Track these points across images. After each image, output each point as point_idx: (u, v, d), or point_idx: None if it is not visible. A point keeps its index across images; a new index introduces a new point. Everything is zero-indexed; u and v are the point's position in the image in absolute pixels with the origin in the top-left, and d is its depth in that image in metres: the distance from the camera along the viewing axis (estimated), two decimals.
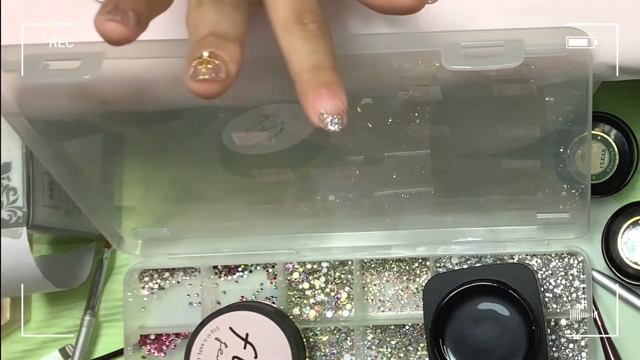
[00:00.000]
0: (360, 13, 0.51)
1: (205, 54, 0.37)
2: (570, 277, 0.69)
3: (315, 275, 0.71)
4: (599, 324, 0.68)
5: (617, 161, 0.68)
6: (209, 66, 0.37)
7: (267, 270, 0.71)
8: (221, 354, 0.66)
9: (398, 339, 0.70)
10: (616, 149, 0.68)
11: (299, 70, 0.39)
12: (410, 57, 0.51)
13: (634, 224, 0.68)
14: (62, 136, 0.59)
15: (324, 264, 0.71)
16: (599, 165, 0.69)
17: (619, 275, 0.68)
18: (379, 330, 0.70)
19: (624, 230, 0.68)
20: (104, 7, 0.37)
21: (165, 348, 0.71)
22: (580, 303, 0.68)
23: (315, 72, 0.39)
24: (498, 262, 0.69)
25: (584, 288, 0.68)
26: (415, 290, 0.70)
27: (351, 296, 0.70)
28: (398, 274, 0.71)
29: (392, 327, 0.70)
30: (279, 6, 0.41)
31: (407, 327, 0.70)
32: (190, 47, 0.39)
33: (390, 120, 0.60)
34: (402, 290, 0.71)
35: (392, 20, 0.51)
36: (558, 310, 0.68)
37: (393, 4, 0.43)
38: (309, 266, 0.71)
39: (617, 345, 0.68)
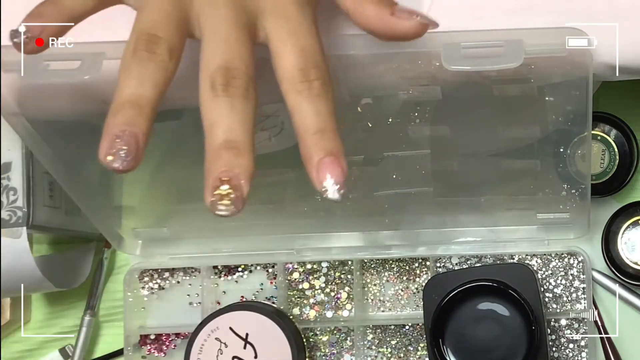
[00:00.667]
0: None
1: (225, 187, 0.40)
2: (570, 277, 0.69)
3: (315, 275, 0.71)
4: (599, 324, 0.68)
5: (617, 161, 0.68)
6: (228, 203, 0.40)
7: (267, 270, 0.71)
8: (221, 354, 0.66)
9: (398, 339, 0.70)
10: (616, 149, 0.68)
11: (303, 133, 0.42)
12: (410, 57, 0.51)
13: (634, 224, 0.68)
14: (62, 136, 0.59)
15: (324, 264, 0.71)
16: (599, 165, 0.69)
17: (618, 275, 0.67)
18: (379, 330, 0.70)
19: (624, 230, 0.68)
20: (104, 140, 0.40)
21: (165, 348, 0.71)
22: (580, 303, 0.68)
23: (319, 137, 0.42)
24: (498, 262, 0.69)
25: (584, 288, 0.68)
26: (415, 290, 0.70)
27: (351, 296, 0.70)
28: (398, 274, 0.71)
29: (392, 327, 0.70)
30: (286, 60, 0.42)
31: (407, 327, 0.70)
32: (207, 147, 0.41)
33: (390, 120, 0.60)
34: (402, 290, 0.71)
35: None
36: (558, 310, 0.68)
37: (393, 30, 0.44)
38: (309, 266, 0.71)
39: (617, 345, 0.68)
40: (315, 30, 0.44)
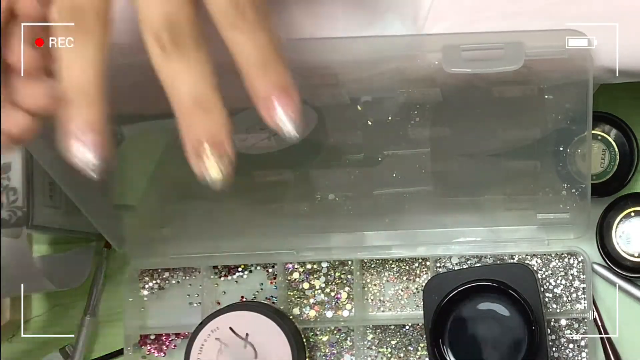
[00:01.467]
0: (361, 14, 0.51)
1: (207, 148, 0.39)
2: (570, 277, 0.69)
3: (315, 275, 0.71)
4: (599, 324, 0.68)
5: (618, 161, 0.68)
6: (215, 164, 0.39)
7: (267, 270, 0.71)
8: (221, 354, 0.66)
9: (398, 339, 0.70)
10: (616, 149, 0.68)
11: (246, 70, 0.39)
12: (410, 59, 0.51)
13: (627, 216, 0.68)
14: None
15: (324, 264, 0.71)
16: (599, 165, 0.68)
17: (617, 270, 0.67)
18: (379, 330, 0.70)
19: (618, 224, 0.68)
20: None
21: (165, 348, 0.71)
22: (580, 303, 0.68)
23: (264, 72, 0.39)
24: (498, 262, 0.69)
25: (584, 288, 0.68)
26: (415, 290, 0.70)
27: (351, 296, 0.70)
28: (398, 274, 0.71)
29: (392, 327, 0.70)
30: None
31: (407, 327, 0.70)
32: (175, 110, 0.39)
33: (390, 117, 0.60)
34: (402, 290, 0.71)
35: (392, 23, 0.51)
36: (558, 310, 0.68)
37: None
38: (309, 266, 0.71)
39: (617, 345, 0.68)
40: None
